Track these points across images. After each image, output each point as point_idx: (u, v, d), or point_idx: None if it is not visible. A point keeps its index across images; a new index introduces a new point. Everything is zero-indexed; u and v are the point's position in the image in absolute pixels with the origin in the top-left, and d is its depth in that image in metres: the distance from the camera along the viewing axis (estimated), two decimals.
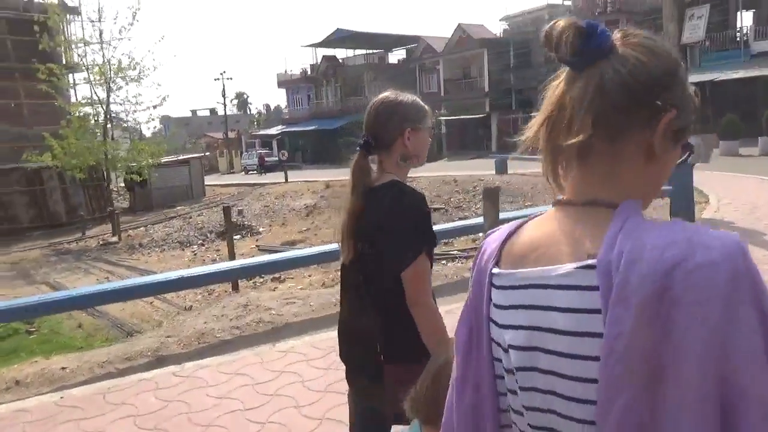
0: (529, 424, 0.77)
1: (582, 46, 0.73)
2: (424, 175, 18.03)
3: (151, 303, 8.83)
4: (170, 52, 48.86)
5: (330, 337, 4.31)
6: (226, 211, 10.47)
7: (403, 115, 1.64)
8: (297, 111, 50.96)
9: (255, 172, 39.02)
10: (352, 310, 1.74)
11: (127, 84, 20.33)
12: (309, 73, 49.48)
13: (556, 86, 0.78)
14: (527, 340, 0.75)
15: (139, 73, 20.03)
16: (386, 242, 1.57)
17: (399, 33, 46.98)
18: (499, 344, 0.80)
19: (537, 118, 0.79)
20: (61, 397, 3.50)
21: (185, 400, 3.34)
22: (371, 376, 1.64)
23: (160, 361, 4.25)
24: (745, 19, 27.78)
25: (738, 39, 25.92)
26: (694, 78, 22.80)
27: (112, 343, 5.81)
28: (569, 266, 0.71)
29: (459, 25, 39.39)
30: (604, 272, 0.67)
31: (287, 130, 49.76)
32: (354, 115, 43.47)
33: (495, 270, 0.81)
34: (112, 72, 20.00)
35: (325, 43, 46.14)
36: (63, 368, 4.25)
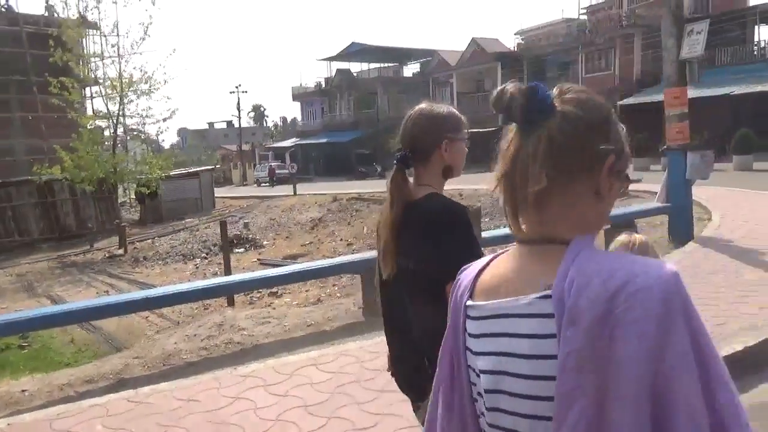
0: None
1: (530, 109, 0.84)
2: None
3: (146, 317, 8.81)
4: (183, 66, 49.49)
5: (294, 360, 4.18)
6: (223, 225, 10.45)
7: (440, 126, 1.64)
8: (310, 124, 51.29)
9: (267, 184, 39.23)
10: (396, 328, 1.73)
11: (138, 97, 20.61)
12: (323, 86, 49.84)
13: (508, 143, 0.88)
14: (495, 365, 0.84)
15: (150, 86, 20.28)
16: (433, 256, 1.52)
17: (413, 47, 47.17)
18: (473, 370, 0.89)
19: (496, 174, 0.90)
20: (8, 424, 3.42)
21: (131, 429, 3.23)
22: (417, 393, 1.63)
23: (120, 384, 4.16)
24: (764, 34, 27.39)
25: (756, 53, 25.54)
26: (693, 93, 22.39)
27: (91, 361, 5.75)
28: (530, 297, 0.81)
29: (473, 39, 39.39)
30: (558, 300, 0.77)
31: (300, 142, 50.06)
32: (367, 128, 43.69)
33: (469, 302, 0.91)
34: (124, 86, 20.28)
35: (340, 56, 46.50)
36: (23, 391, 4.17)
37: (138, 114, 20.99)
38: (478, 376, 0.87)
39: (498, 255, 0.94)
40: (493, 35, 54.38)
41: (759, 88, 22.84)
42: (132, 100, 20.73)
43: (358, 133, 43.85)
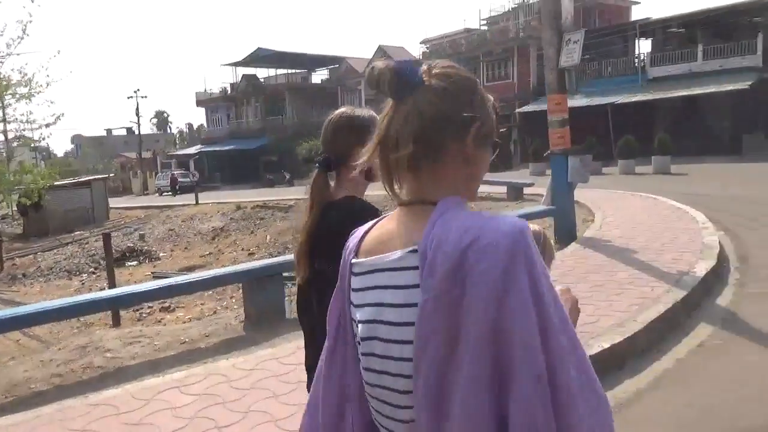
0: (370, 384, 0.95)
1: (398, 83, 0.92)
2: None
3: (17, 340, 7.97)
4: (69, 68, 45.96)
5: (156, 383, 3.84)
6: (106, 237, 9.75)
7: (361, 129, 1.58)
8: (216, 130, 49.62)
9: (169, 193, 37.44)
10: (308, 334, 1.70)
11: (17, 101, 18.87)
12: (229, 92, 48.44)
13: (384, 116, 0.95)
14: (370, 315, 0.93)
15: (30, 90, 18.64)
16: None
17: (321, 53, 46.95)
18: (354, 320, 0.98)
19: (371, 143, 0.96)
20: None
21: None
22: None
23: None
24: (643, 47, 29.69)
25: (635, 65, 27.59)
26: (581, 102, 23.90)
27: None
28: (400, 252, 0.91)
29: (380, 46, 39.86)
30: (422, 253, 0.86)
31: (206, 149, 48.26)
32: (274, 135, 42.87)
33: (353, 260, 0.99)
34: (0, 88, 18.51)
35: (246, 62, 45.39)
36: None
37: (16, 119, 19.22)
38: (358, 326, 0.96)
39: (382, 218, 1.03)
40: (399, 43, 55.15)
41: (638, 97, 24.70)
42: (10, 104, 18.97)
43: (265, 140, 42.96)
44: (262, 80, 48.17)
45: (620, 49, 28.86)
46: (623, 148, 20.40)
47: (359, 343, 0.96)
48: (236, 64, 46.60)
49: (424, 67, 0.94)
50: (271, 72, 48.55)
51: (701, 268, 5.86)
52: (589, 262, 6.61)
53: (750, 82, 22.75)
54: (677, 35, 28.14)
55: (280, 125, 43.70)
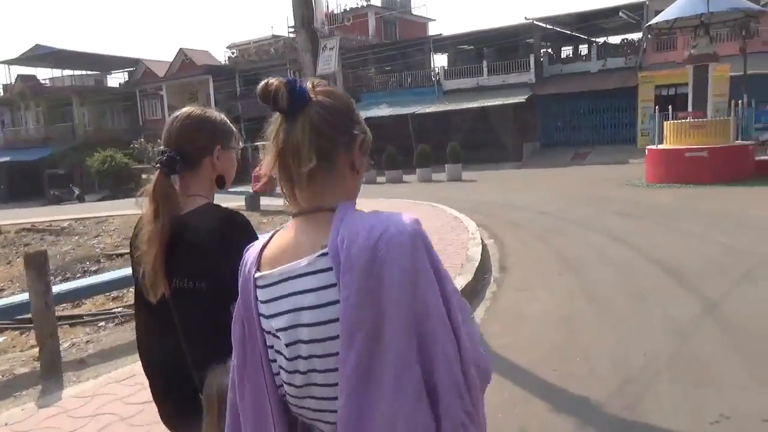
0: (295, 386, 1.00)
1: (291, 99, 0.97)
2: (117, 213, 15.77)
3: None
4: None
5: None
6: None
7: (212, 131, 1.54)
8: None
9: None
10: (159, 358, 1.51)
11: None
12: (2, 94, 41.72)
13: (277, 129, 1.00)
14: (289, 322, 0.98)
15: None
16: (215, 273, 1.35)
17: (116, 54, 42.59)
18: (270, 333, 1.01)
19: (270, 156, 1.01)
20: None
21: None
22: (191, 425, 1.38)
23: None
24: (442, 61, 31.59)
25: (432, 77, 29.20)
26: (385, 112, 24.74)
27: None
28: (309, 258, 0.96)
29: (181, 49, 37.26)
30: (334, 255, 0.93)
31: None
32: (61, 145, 37.82)
33: (257, 274, 1.03)
34: None
35: (21, 60, 39.41)
36: None
37: None
38: (276, 336, 1.00)
39: (277, 231, 1.08)
40: (202, 47, 52.37)
41: (434, 108, 26.10)
42: None
43: (49, 150, 37.67)
44: (44, 82, 42.25)
45: (419, 62, 30.35)
46: (420, 157, 21.26)
47: (279, 353, 1.01)
48: (9, 62, 40.31)
49: (308, 84, 1.02)
50: (56, 73, 42.87)
51: (458, 284, 5.79)
52: None
53: (525, 96, 25.29)
54: (467, 51, 30.44)
55: (69, 133, 38.70)
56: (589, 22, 28.21)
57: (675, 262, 6.61)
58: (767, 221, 8.73)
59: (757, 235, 7.88)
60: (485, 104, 25.49)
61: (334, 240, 0.93)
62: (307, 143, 0.97)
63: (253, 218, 13.34)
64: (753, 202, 10.98)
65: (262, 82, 1.00)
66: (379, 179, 22.02)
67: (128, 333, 5.50)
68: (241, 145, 1.63)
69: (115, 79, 45.45)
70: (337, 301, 0.92)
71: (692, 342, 4.28)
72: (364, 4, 32.26)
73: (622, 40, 30.06)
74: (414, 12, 35.88)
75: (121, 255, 11.90)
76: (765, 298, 5.16)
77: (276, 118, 1.01)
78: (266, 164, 1.02)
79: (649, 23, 16.85)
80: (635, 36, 28.36)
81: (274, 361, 1.03)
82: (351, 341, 0.90)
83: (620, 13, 26.60)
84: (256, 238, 1.52)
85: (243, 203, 14.98)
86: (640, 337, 4.43)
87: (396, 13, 33.98)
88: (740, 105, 16.35)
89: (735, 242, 7.48)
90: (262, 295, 1.02)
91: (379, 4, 33.90)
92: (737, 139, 15.08)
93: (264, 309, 1.01)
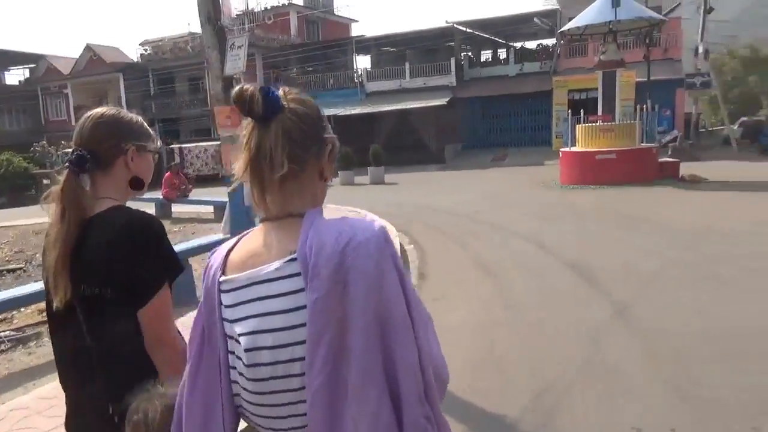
0: (255, 393, 0.98)
1: (266, 105, 0.98)
2: (12, 224, 14.43)
3: None
4: None
5: None
6: None
7: (126, 131, 1.50)
8: None
9: None
10: (78, 369, 1.42)
11: None
12: None
13: (249, 134, 1.01)
14: (253, 327, 0.97)
15: None
16: (125, 279, 1.33)
17: (14, 49, 39.42)
18: (232, 337, 1.00)
19: (242, 161, 1.02)
20: None
21: None
22: None
23: None
24: (362, 63, 31.43)
25: (354, 79, 29.01)
26: None
27: None
28: (278, 262, 0.97)
29: (88, 45, 35.00)
30: (303, 260, 0.94)
31: None
32: None
33: (222, 278, 1.02)
34: None
35: None
36: None
37: None
38: (238, 341, 0.98)
39: (244, 235, 1.08)
40: (112, 43, 49.54)
41: (357, 110, 25.92)
42: None
43: None
44: None
45: (342, 63, 30.07)
46: (342, 160, 20.97)
47: (239, 358, 0.99)
48: None
49: (280, 91, 1.02)
50: None
51: None
52: None
53: (447, 99, 25.61)
54: (389, 53, 30.48)
55: None
56: (506, 28, 29.01)
57: (588, 264, 6.72)
58: (672, 221, 9.13)
59: (663, 234, 8.20)
60: (407, 106, 25.57)
61: (303, 246, 0.95)
62: (280, 149, 0.99)
63: (164, 226, 12.54)
64: (658, 202, 11.52)
65: (237, 88, 1.00)
66: None
67: (15, 361, 4.87)
68: (157, 146, 1.58)
69: (14, 76, 42.09)
70: (304, 306, 0.94)
71: (605, 349, 4.29)
72: (286, 2, 31.51)
73: (538, 45, 31.12)
74: (337, 12, 35.53)
75: (13, 270, 10.81)
76: (673, 301, 5.29)
77: (247, 123, 1.02)
78: (238, 169, 1.03)
79: (561, 29, 17.44)
80: (550, 42, 29.40)
81: (234, 368, 1.02)
82: (317, 345, 0.92)
83: (535, 19, 27.51)
84: (168, 245, 1.47)
85: (153, 210, 14.08)
86: (555, 345, 4.40)
87: (319, 13, 33.48)
88: (645, 109, 17.22)
89: (644, 243, 7.73)
90: (227, 299, 1.01)
91: (302, 4, 33.28)
92: (642, 142, 15.84)
93: (228, 313, 1.01)
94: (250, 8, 30.28)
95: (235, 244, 1.06)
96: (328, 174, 1.07)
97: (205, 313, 1.04)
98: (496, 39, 31.25)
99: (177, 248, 6.57)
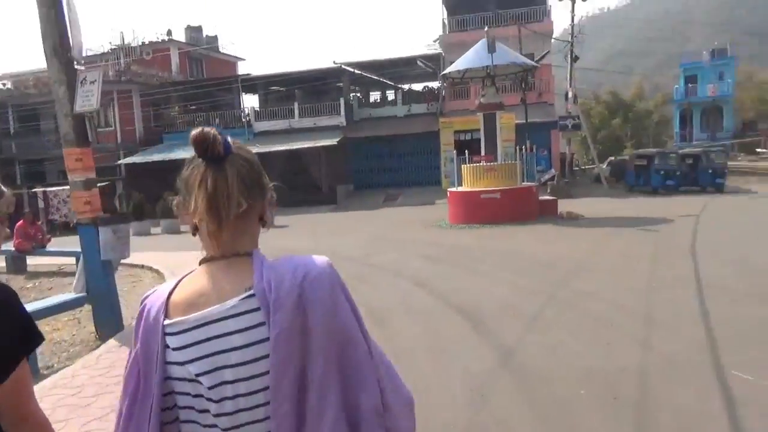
0: (226, 429, 1.01)
1: (224, 149, 1.05)
2: None
3: None
4: None
5: None
6: None
7: None
8: None
9: None
10: None
11: None
12: None
13: (202, 176, 1.04)
14: (211, 365, 0.99)
15: None
16: None
17: None
18: (184, 379, 1.01)
19: (200, 201, 1.04)
20: None
21: None
22: None
23: None
24: (250, 102, 30.75)
25: (242, 118, 28.23)
26: (173, 155, 23.07)
27: None
28: (235, 300, 1.00)
29: None
30: (262, 296, 0.99)
31: None
32: None
33: (167, 321, 1.03)
34: None
35: None
36: None
37: None
38: (194, 381, 1.00)
39: (183, 278, 1.09)
40: None
41: None
42: None
43: None
44: None
45: (228, 102, 29.18)
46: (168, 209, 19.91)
47: (202, 396, 1.01)
48: None
49: (228, 138, 1.08)
50: None
51: None
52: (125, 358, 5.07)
53: (337, 139, 25.54)
54: (278, 93, 30.09)
55: None
56: (392, 70, 29.74)
57: (473, 306, 6.59)
58: (552, 258, 9.34)
59: (543, 272, 8.31)
60: (297, 146, 25.18)
61: (260, 282, 1.00)
62: (236, 190, 1.03)
63: (16, 282, 10.94)
64: (539, 240, 11.87)
65: (198, 129, 1.05)
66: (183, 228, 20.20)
67: None
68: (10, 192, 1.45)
69: None
70: (264, 340, 0.98)
71: (492, 402, 4.02)
72: (166, 38, 30.22)
73: (424, 87, 32.21)
74: (222, 50, 34.68)
75: None
76: (554, 342, 5.19)
77: (198, 164, 1.06)
78: (193, 209, 1.05)
79: (443, 72, 18.00)
80: (435, 84, 30.52)
81: (189, 407, 1.04)
82: (282, 375, 0.97)
83: (418, 62, 28.45)
84: (24, 313, 1.31)
85: (3, 264, 12.33)
86: (440, 400, 4.09)
87: (202, 50, 32.44)
88: (524, 150, 18.07)
89: (527, 282, 7.76)
90: (175, 342, 1.02)
91: (183, 40, 32.07)
92: (523, 181, 16.51)
93: (178, 356, 1.02)
94: (126, 42, 28.60)
95: (174, 287, 1.08)
96: (268, 218, 1.13)
97: (142, 361, 1.05)
98: (385, 80, 31.96)
99: (31, 308, 5.65)
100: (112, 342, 5.92)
